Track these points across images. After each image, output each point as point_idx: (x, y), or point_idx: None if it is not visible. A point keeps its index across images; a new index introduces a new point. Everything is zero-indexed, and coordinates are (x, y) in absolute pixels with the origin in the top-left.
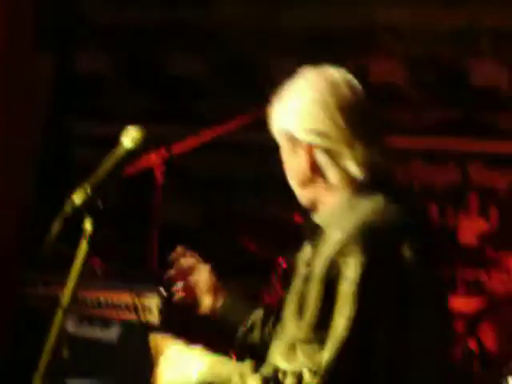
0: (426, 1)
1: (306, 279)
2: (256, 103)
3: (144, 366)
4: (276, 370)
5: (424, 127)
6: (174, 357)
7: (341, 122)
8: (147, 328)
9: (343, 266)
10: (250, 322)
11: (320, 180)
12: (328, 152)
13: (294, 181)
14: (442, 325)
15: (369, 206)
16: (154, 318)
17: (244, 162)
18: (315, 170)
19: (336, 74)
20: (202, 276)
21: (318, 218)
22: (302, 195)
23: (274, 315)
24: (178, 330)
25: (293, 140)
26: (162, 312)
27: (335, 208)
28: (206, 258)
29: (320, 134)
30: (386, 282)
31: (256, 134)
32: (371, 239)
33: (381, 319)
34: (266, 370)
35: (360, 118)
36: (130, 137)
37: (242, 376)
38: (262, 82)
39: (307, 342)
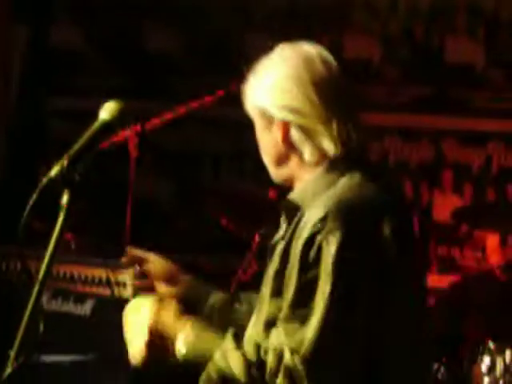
0: None
1: (285, 257)
2: (230, 79)
3: (118, 340)
4: (258, 347)
5: (398, 104)
6: (162, 326)
7: (315, 98)
8: (121, 303)
9: (324, 243)
10: (207, 308)
11: (294, 157)
12: (302, 128)
13: (268, 158)
14: (418, 303)
15: (346, 184)
16: (127, 292)
17: (218, 137)
18: (290, 147)
19: (311, 50)
20: (156, 264)
21: (293, 195)
22: (276, 173)
23: (248, 292)
24: None
25: (267, 117)
26: (135, 287)
27: (310, 185)
28: (178, 234)
29: (294, 110)
30: (367, 258)
31: (231, 110)
32: (351, 216)
33: (363, 295)
34: (247, 346)
35: (335, 94)
36: (107, 109)
37: (224, 352)
38: (236, 58)
39: (288, 320)
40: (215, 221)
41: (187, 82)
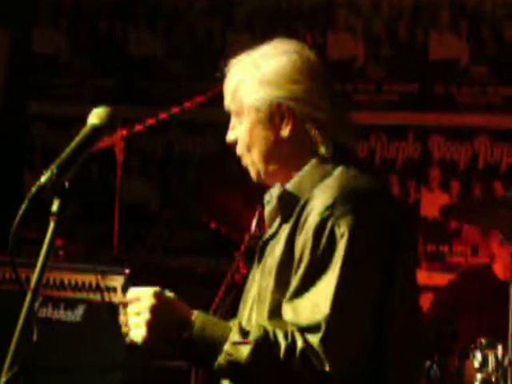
0: None
1: (289, 247)
2: (214, 82)
3: (109, 346)
4: (267, 332)
5: (384, 102)
6: (166, 310)
7: (321, 89)
8: (112, 308)
9: (336, 228)
10: None
11: (287, 151)
12: (301, 121)
13: (257, 154)
14: (414, 294)
15: (344, 174)
16: (117, 297)
17: (202, 140)
18: (286, 140)
19: (299, 45)
20: None
21: (289, 187)
22: (264, 169)
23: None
24: None
25: (263, 111)
26: (125, 292)
27: (307, 176)
28: (166, 237)
29: (302, 101)
30: (377, 240)
31: (215, 112)
32: (358, 202)
33: (374, 276)
34: (256, 333)
35: (329, 89)
36: (95, 115)
37: (233, 344)
38: (220, 60)
39: (297, 300)
40: (203, 223)
41: (170, 85)
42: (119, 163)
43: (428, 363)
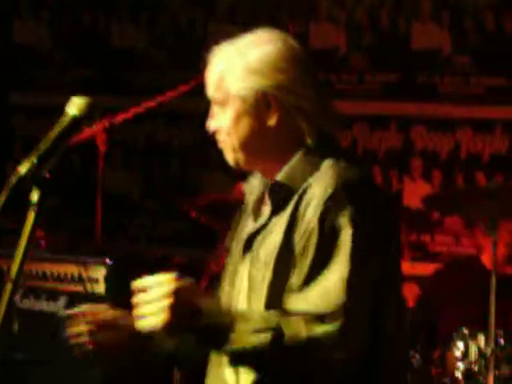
0: None
1: (288, 236)
2: (196, 71)
3: None
4: (286, 320)
5: (366, 91)
6: (187, 295)
7: (306, 79)
8: (94, 299)
9: (339, 218)
10: None
11: (273, 141)
12: (287, 110)
13: (240, 144)
14: (399, 283)
15: (334, 165)
16: (100, 288)
17: (184, 130)
18: (271, 130)
19: (282, 34)
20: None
21: (280, 178)
22: (247, 159)
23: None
24: (125, 300)
25: (249, 100)
26: (108, 282)
27: (297, 167)
28: (148, 227)
29: (289, 90)
30: (376, 229)
31: (197, 103)
32: (357, 192)
33: (377, 264)
34: (276, 320)
35: (315, 78)
36: (75, 105)
37: (254, 331)
38: (202, 50)
39: (307, 288)
40: (185, 213)
41: (153, 75)
42: (101, 154)
43: (411, 353)
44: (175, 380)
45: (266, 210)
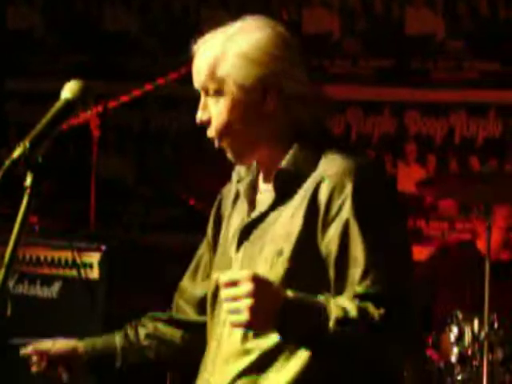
0: None
1: (309, 222)
2: (188, 58)
3: (85, 322)
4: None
5: (360, 76)
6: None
7: (301, 65)
8: (88, 284)
9: (371, 207)
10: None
11: (270, 128)
12: (284, 97)
13: (240, 134)
14: None
15: (335, 154)
16: (94, 273)
17: (178, 115)
18: (269, 118)
19: (268, 18)
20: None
21: (286, 165)
22: (246, 149)
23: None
24: (118, 285)
25: (247, 88)
26: (102, 268)
27: (298, 154)
28: (142, 213)
29: (288, 75)
30: (403, 212)
31: (191, 88)
32: (374, 172)
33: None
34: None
35: (304, 61)
36: (69, 89)
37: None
38: (195, 36)
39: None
40: (179, 199)
41: (146, 61)
42: (95, 139)
43: None
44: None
45: (264, 198)
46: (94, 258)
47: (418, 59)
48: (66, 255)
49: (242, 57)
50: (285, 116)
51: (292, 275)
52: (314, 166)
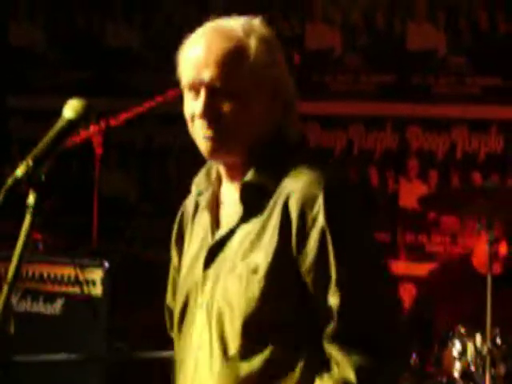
0: None
1: (284, 235)
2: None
3: (89, 338)
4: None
5: (361, 92)
6: None
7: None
8: (91, 300)
9: (346, 223)
10: None
11: (259, 130)
12: (282, 101)
13: (242, 135)
14: None
15: (300, 163)
16: (97, 290)
17: (181, 132)
18: (262, 120)
19: (257, 19)
20: None
21: (253, 176)
22: (233, 148)
23: None
24: (121, 301)
25: (261, 88)
26: (105, 284)
27: (268, 166)
28: (145, 230)
29: (281, 79)
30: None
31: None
32: (350, 191)
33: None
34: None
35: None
36: (71, 107)
37: None
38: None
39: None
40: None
41: (148, 77)
42: (97, 156)
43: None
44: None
45: (229, 212)
46: (96, 274)
47: (420, 75)
48: (69, 272)
49: (267, 51)
50: (273, 122)
51: (268, 293)
52: (279, 178)
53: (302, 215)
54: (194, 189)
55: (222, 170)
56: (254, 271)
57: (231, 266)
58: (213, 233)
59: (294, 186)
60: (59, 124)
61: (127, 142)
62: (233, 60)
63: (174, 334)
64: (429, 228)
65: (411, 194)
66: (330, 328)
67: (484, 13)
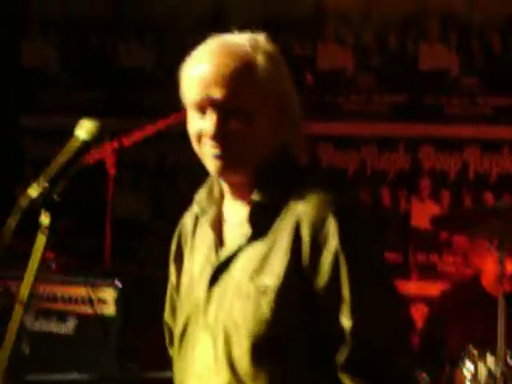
0: None
1: (295, 256)
2: None
3: (101, 358)
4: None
5: (374, 113)
6: None
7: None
8: (103, 320)
9: (358, 245)
10: None
11: (266, 147)
12: (288, 118)
13: (251, 152)
14: None
15: (317, 184)
16: (110, 310)
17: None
18: (270, 138)
19: (261, 36)
20: None
21: (262, 196)
22: (246, 168)
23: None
24: (133, 321)
25: (267, 108)
26: (118, 304)
27: (278, 183)
28: (157, 249)
29: (289, 96)
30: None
31: None
32: (356, 205)
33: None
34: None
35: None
36: (84, 128)
37: None
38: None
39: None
40: None
41: (161, 96)
42: (111, 177)
43: (418, 372)
44: None
45: (235, 231)
46: (109, 294)
47: (432, 95)
48: (82, 291)
49: (274, 66)
50: (280, 139)
51: (278, 314)
52: (286, 199)
53: (315, 237)
54: (195, 206)
55: (226, 188)
56: (264, 292)
57: (237, 286)
58: (217, 251)
59: (305, 208)
60: (74, 144)
61: (140, 161)
62: (242, 77)
63: (173, 353)
64: (441, 248)
65: (423, 213)
66: (342, 354)
67: (496, 33)
